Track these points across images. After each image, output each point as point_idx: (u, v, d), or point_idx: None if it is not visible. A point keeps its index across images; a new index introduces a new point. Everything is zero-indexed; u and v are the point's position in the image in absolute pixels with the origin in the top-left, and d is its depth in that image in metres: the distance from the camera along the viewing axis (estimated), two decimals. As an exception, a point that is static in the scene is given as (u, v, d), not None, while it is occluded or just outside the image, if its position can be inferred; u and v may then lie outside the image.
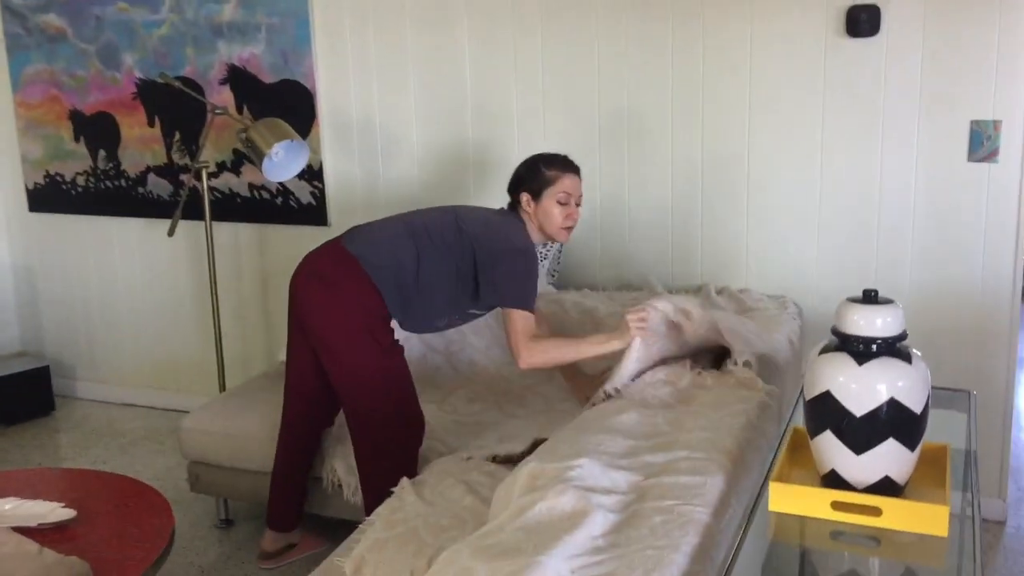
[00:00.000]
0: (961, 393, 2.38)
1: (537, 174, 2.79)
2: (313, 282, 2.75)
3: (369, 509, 2.77)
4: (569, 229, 2.82)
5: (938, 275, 3.17)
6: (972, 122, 3.03)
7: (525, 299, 2.66)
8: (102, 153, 4.46)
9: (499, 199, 3.69)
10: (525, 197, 2.79)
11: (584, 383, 2.98)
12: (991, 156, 3.03)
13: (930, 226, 3.16)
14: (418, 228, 2.77)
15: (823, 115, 3.21)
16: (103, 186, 4.50)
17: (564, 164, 2.82)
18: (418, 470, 2.78)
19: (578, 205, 2.82)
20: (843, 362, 1.74)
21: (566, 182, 2.78)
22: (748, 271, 3.41)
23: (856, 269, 3.26)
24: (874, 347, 1.74)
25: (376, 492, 2.73)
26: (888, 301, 1.78)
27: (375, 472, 2.77)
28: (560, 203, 2.76)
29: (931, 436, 1.91)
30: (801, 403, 2.28)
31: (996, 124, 3.00)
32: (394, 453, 2.78)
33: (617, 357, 2.60)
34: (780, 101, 3.26)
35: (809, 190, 3.28)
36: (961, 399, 2.36)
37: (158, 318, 4.57)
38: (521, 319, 2.65)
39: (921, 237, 3.17)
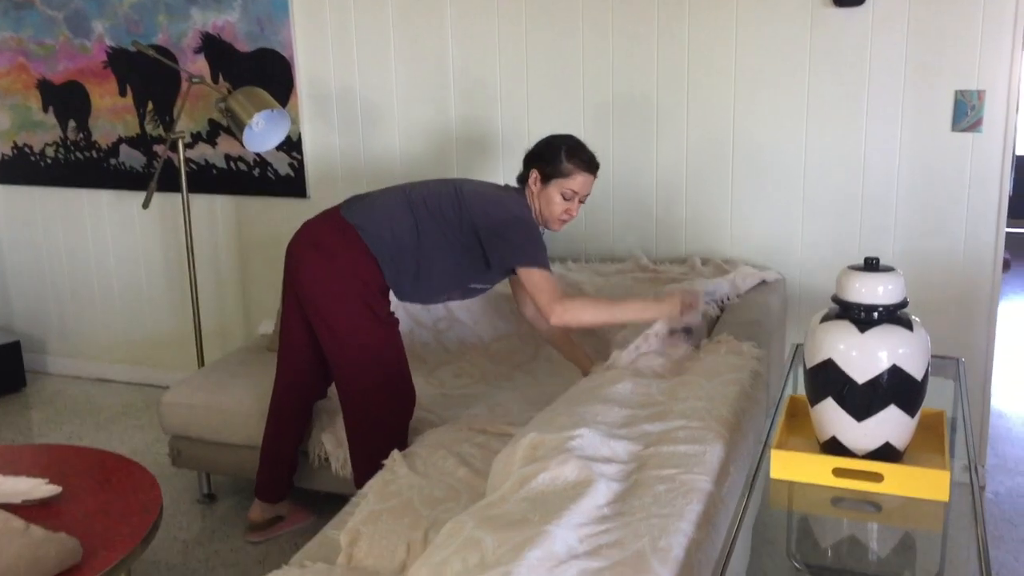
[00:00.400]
0: (949, 360, 2.40)
1: (555, 160, 2.71)
2: (311, 252, 2.70)
3: (359, 481, 2.76)
4: (564, 223, 2.78)
5: (921, 244, 3.19)
6: (956, 92, 3.04)
7: (543, 259, 2.62)
8: (72, 123, 4.36)
9: (483, 173, 3.68)
10: (535, 175, 2.74)
11: (583, 358, 2.96)
12: (975, 126, 3.04)
13: (914, 196, 3.17)
14: (417, 200, 2.73)
15: (808, 85, 3.21)
16: (73, 157, 4.40)
17: (587, 163, 2.73)
18: (408, 443, 2.77)
19: (581, 202, 2.78)
20: (845, 330, 1.74)
21: (579, 180, 2.72)
22: (733, 242, 3.41)
23: (841, 239, 3.28)
24: (875, 315, 1.74)
25: (367, 464, 2.72)
26: (889, 269, 1.78)
27: (366, 444, 2.75)
28: (564, 198, 2.72)
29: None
30: (792, 372, 2.30)
31: (980, 94, 3.02)
32: (385, 425, 2.76)
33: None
34: (766, 71, 3.25)
35: (794, 161, 3.28)
36: (948, 366, 2.38)
37: (132, 292, 4.49)
38: (544, 277, 2.60)
39: (905, 207, 3.19)
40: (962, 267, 3.16)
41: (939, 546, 1.77)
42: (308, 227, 2.77)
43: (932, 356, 2.08)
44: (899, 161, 3.17)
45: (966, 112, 3.05)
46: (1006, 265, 3.76)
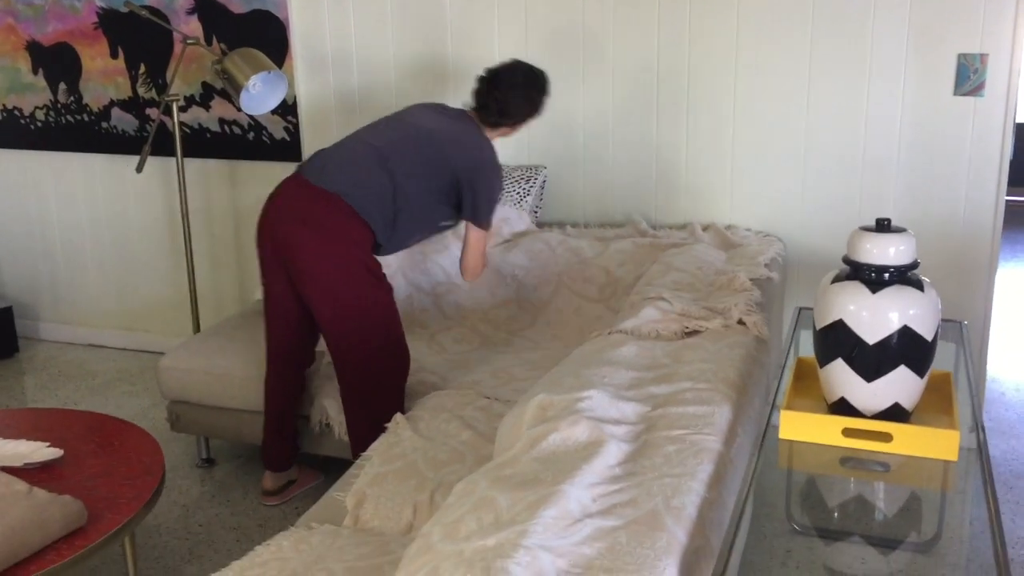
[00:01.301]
0: (951, 324, 2.40)
1: (538, 110, 2.89)
2: (302, 229, 2.67)
3: (358, 443, 2.76)
4: None
5: (922, 208, 3.19)
6: (959, 55, 3.03)
7: (490, 220, 2.87)
8: (62, 86, 4.30)
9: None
10: (519, 127, 2.90)
11: None
12: (977, 90, 3.03)
13: (915, 160, 3.17)
14: (385, 151, 2.74)
15: (810, 49, 3.19)
16: (64, 120, 4.34)
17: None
18: (406, 406, 2.77)
19: None
20: (856, 290, 1.74)
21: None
22: (733, 207, 3.40)
23: (841, 203, 3.27)
24: (887, 275, 1.74)
25: (366, 429, 2.72)
26: (901, 230, 1.78)
27: (366, 409, 2.75)
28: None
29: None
30: (795, 335, 2.31)
31: (983, 58, 3.00)
32: (384, 389, 2.76)
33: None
34: (767, 34, 3.22)
35: (795, 125, 3.27)
36: (950, 329, 2.39)
37: (124, 258, 4.46)
38: (482, 239, 2.88)
39: (906, 171, 3.19)
40: (962, 232, 3.17)
41: (937, 507, 1.79)
42: (289, 204, 2.72)
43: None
44: (900, 125, 3.16)
45: (968, 76, 3.04)
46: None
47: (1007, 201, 5.44)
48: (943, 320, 2.44)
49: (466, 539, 1.44)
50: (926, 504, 1.78)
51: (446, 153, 2.75)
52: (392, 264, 3.25)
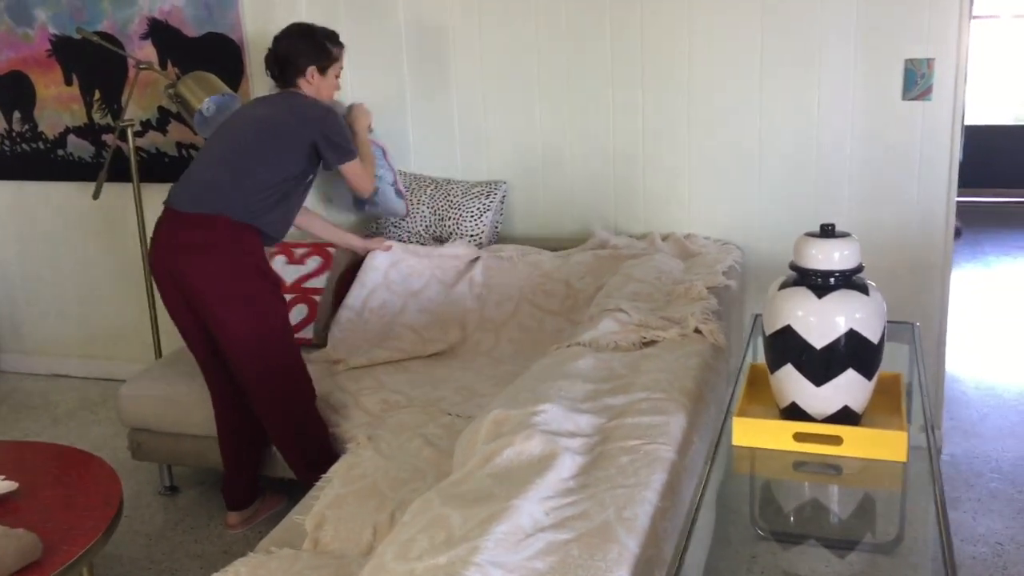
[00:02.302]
0: (904, 325, 2.43)
1: (325, 51, 2.98)
2: (194, 257, 2.72)
3: (297, 466, 2.83)
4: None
5: (875, 212, 3.23)
6: (906, 60, 3.07)
7: (351, 147, 2.98)
8: (17, 114, 4.26)
9: (446, 154, 3.65)
10: (311, 71, 2.95)
11: (347, 233, 3.41)
12: (925, 94, 3.08)
13: (866, 164, 3.21)
14: (232, 151, 2.83)
15: (761, 55, 3.22)
16: (19, 149, 4.29)
17: (340, 41, 3.05)
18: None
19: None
20: (803, 296, 1.76)
21: (343, 57, 3.06)
22: (691, 215, 3.43)
23: (795, 209, 3.31)
24: (832, 280, 1.76)
25: (295, 451, 2.83)
26: (845, 235, 1.80)
27: (285, 431, 2.82)
28: (337, 77, 3.04)
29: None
30: (752, 341, 2.32)
31: (930, 63, 3.05)
32: (295, 405, 2.82)
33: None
34: (718, 42, 3.26)
35: (748, 132, 3.30)
36: (904, 331, 2.42)
37: (85, 286, 4.41)
38: (356, 165, 2.99)
39: (858, 175, 3.23)
40: (915, 234, 3.21)
41: (898, 508, 1.80)
42: (171, 240, 2.77)
43: (887, 321, 2.11)
44: (851, 130, 3.20)
45: (916, 80, 3.08)
46: (957, 233, 3.83)
47: (964, 202, 5.55)
48: (896, 322, 2.48)
49: (418, 558, 1.44)
50: (888, 505, 1.79)
51: (291, 133, 2.84)
52: (365, 346, 3.24)
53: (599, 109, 3.44)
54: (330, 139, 2.88)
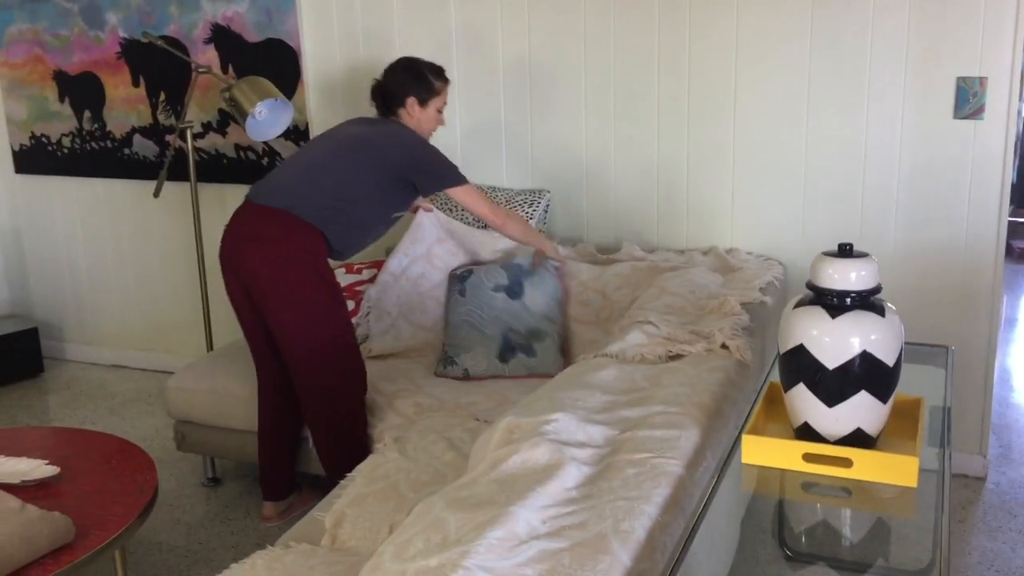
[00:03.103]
0: (940, 348, 2.38)
1: (427, 83, 2.98)
2: (255, 246, 2.77)
3: (329, 465, 2.87)
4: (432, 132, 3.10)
5: (922, 233, 3.16)
6: (958, 79, 3.01)
7: (461, 174, 2.93)
8: (87, 114, 4.43)
9: (490, 170, 3.69)
10: (411, 102, 2.96)
11: (544, 239, 3.26)
12: (976, 113, 3.01)
13: (915, 184, 3.15)
14: (322, 163, 2.86)
15: (809, 72, 3.19)
16: (89, 147, 4.47)
17: (446, 77, 3.04)
18: (369, 421, 2.90)
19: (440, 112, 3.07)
20: (817, 315, 1.74)
21: (446, 92, 3.04)
22: (735, 230, 3.41)
23: (841, 227, 3.26)
24: (848, 300, 1.74)
25: (331, 445, 2.86)
26: (863, 255, 1.78)
27: (328, 426, 2.85)
28: (439, 111, 3.02)
29: (910, 390, 1.92)
30: (777, 360, 2.30)
31: (982, 81, 2.98)
32: (343, 403, 2.85)
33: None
34: (767, 58, 3.24)
35: (795, 148, 3.27)
36: (941, 354, 2.37)
37: (146, 280, 4.57)
38: (472, 190, 2.93)
39: (906, 195, 3.17)
40: (964, 255, 3.14)
41: (916, 532, 1.77)
42: (240, 228, 2.83)
43: (924, 344, 2.07)
44: (900, 149, 3.14)
45: (968, 99, 3.01)
46: (1008, 250, 3.71)
47: (1015, 222, 5.36)
48: (932, 345, 2.43)
49: (412, 559, 1.47)
50: (907, 530, 1.76)
51: (377, 152, 2.86)
52: (393, 312, 3.30)
53: (645, 122, 3.44)
54: (418, 164, 2.88)
